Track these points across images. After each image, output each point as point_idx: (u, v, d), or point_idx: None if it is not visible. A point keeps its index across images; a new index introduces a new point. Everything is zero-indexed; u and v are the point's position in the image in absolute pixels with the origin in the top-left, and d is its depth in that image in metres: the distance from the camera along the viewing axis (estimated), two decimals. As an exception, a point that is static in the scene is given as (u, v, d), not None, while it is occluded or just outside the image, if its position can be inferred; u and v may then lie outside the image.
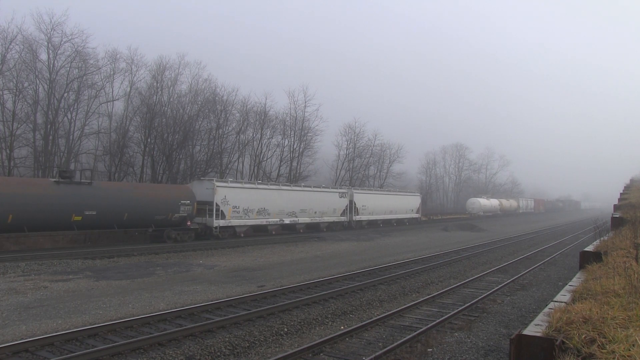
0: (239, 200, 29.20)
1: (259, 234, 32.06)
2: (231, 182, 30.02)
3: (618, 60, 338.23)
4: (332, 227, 38.34)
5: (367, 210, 42.54)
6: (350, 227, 40.22)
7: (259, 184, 32.85)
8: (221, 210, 28.04)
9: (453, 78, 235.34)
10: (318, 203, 36.40)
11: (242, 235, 29.76)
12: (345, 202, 39.41)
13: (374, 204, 44.00)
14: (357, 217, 41.12)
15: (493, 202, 74.82)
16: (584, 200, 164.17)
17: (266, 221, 31.49)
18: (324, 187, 39.15)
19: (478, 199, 72.09)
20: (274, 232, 32.22)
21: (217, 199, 27.77)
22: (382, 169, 62.72)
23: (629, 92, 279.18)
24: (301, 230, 35.04)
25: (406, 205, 49.73)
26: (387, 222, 46.53)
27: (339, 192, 39.26)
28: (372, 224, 44.21)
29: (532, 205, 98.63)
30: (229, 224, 28.70)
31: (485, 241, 34.09)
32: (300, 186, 36.78)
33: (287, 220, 33.24)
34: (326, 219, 37.41)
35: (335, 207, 38.30)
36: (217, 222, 27.77)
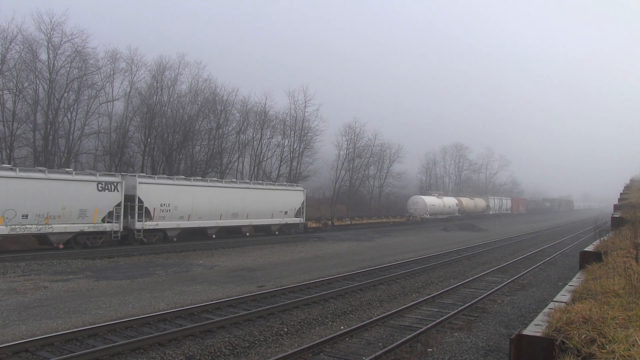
0: None
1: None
2: None
3: (618, 60, 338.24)
4: (83, 241, 22.72)
5: (175, 213, 26.06)
6: (134, 240, 24.45)
7: None
8: None
9: (453, 78, 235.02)
10: (36, 199, 20.75)
11: None
12: (114, 198, 23.37)
13: (194, 202, 27.06)
14: (149, 224, 24.88)
15: (448, 202, 59.15)
16: (578, 199, 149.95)
17: None
18: (61, 172, 22.94)
19: (423, 197, 55.70)
20: None
21: None
22: (382, 169, 62.67)
23: (629, 92, 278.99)
24: None
25: (275, 204, 32.34)
26: (231, 232, 30.61)
27: (99, 182, 23.00)
28: (191, 233, 28.27)
29: (509, 205, 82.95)
30: None
31: (485, 241, 34.09)
32: None
33: None
34: (58, 226, 21.49)
35: (85, 205, 22.35)
36: None
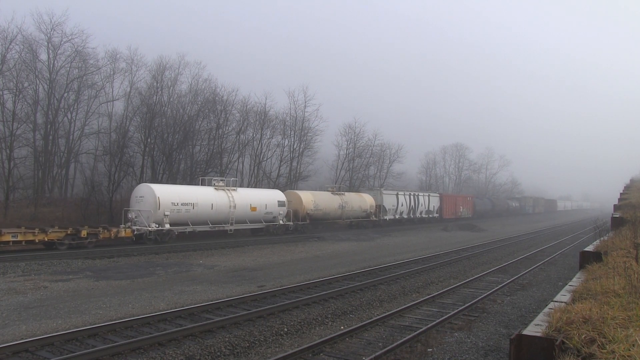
0: None
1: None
2: None
3: (618, 60, 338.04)
4: None
5: None
6: None
7: None
8: None
9: (453, 78, 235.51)
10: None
11: None
12: None
13: None
14: None
15: (256, 199, 30.83)
16: (563, 199, 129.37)
17: None
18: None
19: (154, 187, 25.82)
20: None
21: None
22: (382, 169, 62.65)
23: (629, 92, 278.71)
24: None
25: None
26: None
27: None
28: None
29: (436, 205, 54.02)
30: None
31: (484, 241, 34.07)
32: None
33: None
34: None
35: None
36: None
